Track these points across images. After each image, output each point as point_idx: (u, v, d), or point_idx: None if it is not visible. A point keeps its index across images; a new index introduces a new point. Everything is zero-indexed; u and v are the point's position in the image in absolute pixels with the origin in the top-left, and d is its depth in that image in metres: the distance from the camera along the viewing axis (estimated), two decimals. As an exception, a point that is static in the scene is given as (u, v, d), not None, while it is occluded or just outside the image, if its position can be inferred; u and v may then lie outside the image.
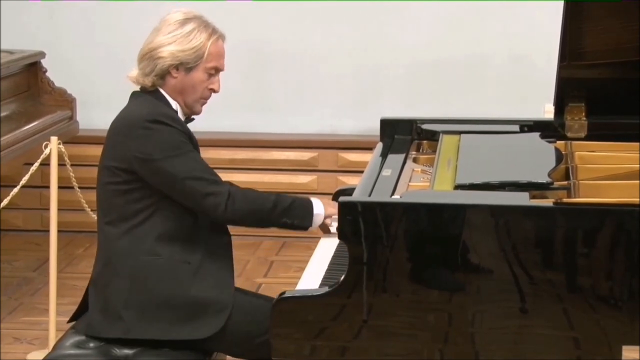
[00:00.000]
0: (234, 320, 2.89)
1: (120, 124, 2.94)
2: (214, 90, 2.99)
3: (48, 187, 4.18)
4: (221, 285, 2.92)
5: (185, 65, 2.92)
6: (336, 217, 2.84)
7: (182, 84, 2.94)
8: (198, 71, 2.94)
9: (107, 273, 2.92)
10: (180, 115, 2.98)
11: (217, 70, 2.98)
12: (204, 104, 3.01)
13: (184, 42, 2.91)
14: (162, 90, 2.96)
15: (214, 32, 2.96)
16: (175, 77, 2.93)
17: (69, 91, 5.57)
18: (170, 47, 2.90)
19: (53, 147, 4.14)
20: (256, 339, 2.86)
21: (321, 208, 3.00)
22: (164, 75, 2.93)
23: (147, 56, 2.93)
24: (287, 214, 2.94)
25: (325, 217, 3.02)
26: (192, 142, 2.92)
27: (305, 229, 3.00)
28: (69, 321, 3.05)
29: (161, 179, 2.87)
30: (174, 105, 2.97)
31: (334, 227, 3.04)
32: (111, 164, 2.92)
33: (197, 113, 3.03)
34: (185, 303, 2.86)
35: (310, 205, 2.99)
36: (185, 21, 2.94)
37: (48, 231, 4.16)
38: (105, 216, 2.95)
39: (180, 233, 2.89)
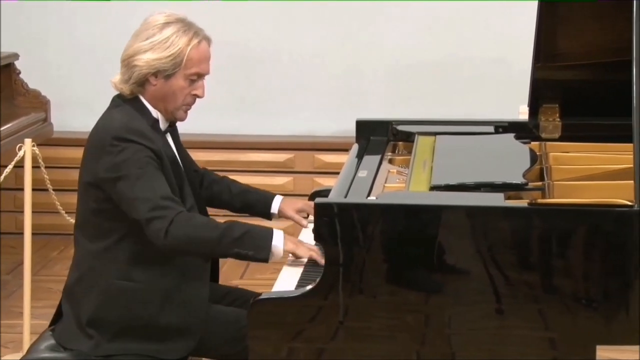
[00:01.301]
0: (212, 331, 2.87)
1: (93, 138, 2.86)
2: (197, 96, 2.87)
3: (22, 189, 4.16)
4: (193, 311, 2.86)
5: (163, 73, 2.81)
6: (300, 252, 2.85)
7: (161, 91, 2.83)
8: (178, 78, 2.82)
9: (80, 289, 2.88)
10: (161, 123, 2.89)
11: (200, 75, 2.86)
12: (187, 110, 2.89)
13: (161, 49, 2.79)
14: (142, 98, 2.86)
15: (195, 35, 2.82)
16: (155, 85, 2.83)
17: (43, 93, 5.54)
18: (147, 55, 2.79)
19: (27, 149, 4.11)
20: (238, 345, 2.84)
21: (281, 240, 2.77)
22: (142, 82, 2.83)
23: (125, 62, 2.84)
24: (239, 244, 2.73)
25: (286, 252, 2.81)
26: (160, 160, 2.80)
27: (263, 261, 2.77)
28: (50, 325, 3.02)
29: (117, 199, 2.77)
30: (155, 113, 2.87)
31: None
32: (85, 179, 2.86)
33: (180, 120, 2.91)
34: (154, 328, 2.82)
35: (268, 236, 2.76)
36: (164, 25, 2.82)
37: (22, 234, 4.14)
38: (82, 232, 2.89)
39: (153, 255, 2.79)
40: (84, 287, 2.87)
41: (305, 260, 2.94)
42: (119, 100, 2.89)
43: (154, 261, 2.82)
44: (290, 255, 2.89)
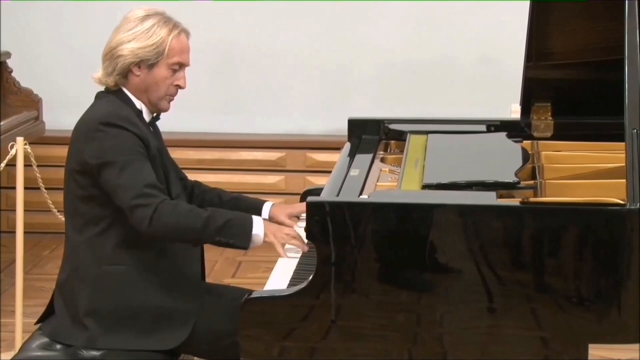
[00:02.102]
0: (202, 322, 2.88)
1: (79, 126, 2.90)
2: (179, 87, 2.92)
3: (14, 188, 4.15)
4: (186, 293, 2.88)
5: (146, 63, 2.86)
6: (278, 250, 2.85)
7: (145, 81, 2.88)
8: (160, 67, 2.87)
9: (72, 281, 2.89)
10: (145, 114, 2.93)
11: (182, 65, 2.91)
12: (170, 100, 2.93)
13: (144, 39, 2.86)
14: (125, 90, 2.91)
15: (175, 27, 2.89)
16: (138, 75, 2.88)
17: (35, 91, 5.53)
18: (130, 45, 2.85)
19: (19, 147, 4.10)
20: (225, 339, 2.85)
21: (261, 229, 2.81)
22: (126, 73, 2.88)
23: (108, 55, 2.89)
24: (221, 232, 2.78)
25: (266, 242, 2.85)
26: (147, 148, 2.84)
27: (243, 249, 2.84)
28: (37, 323, 3.03)
29: (103, 185, 2.81)
30: (138, 104, 2.92)
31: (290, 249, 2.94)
32: (72, 167, 2.88)
33: (164, 110, 2.96)
34: (149, 313, 2.84)
35: (249, 225, 2.81)
36: (145, 18, 2.89)
37: (14, 232, 4.13)
38: (71, 221, 2.91)
39: (141, 241, 2.82)
40: (76, 279, 2.87)
41: (299, 256, 2.94)
42: (102, 95, 2.94)
43: (144, 245, 2.84)
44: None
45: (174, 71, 2.90)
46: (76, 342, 2.86)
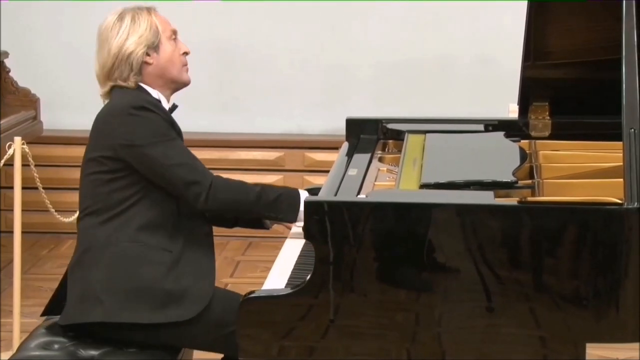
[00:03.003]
0: (207, 307, 2.88)
1: (105, 114, 2.94)
2: (186, 53, 3.01)
3: (12, 187, 4.15)
4: (202, 274, 2.91)
5: (152, 46, 2.94)
6: None
7: (159, 64, 2.96)
8: (164, 44, 2.96)
9: (86, 260, 2.90)
10: (164, 104, 2.98)
11: (175, 32, 3.00)
12: (187, 70, 3.02)
13: (136, 29, 2.94)
14: (142, 85, 2.96)
15: (146, 9, 2.98)
16: (151, 63, 2.95)
17: (32, 91, 5.53)
18: (130, 40, 2.93)
19: (17, 147, 4.10)
20: (226, 327, 2.84)
21: None
22: (140, 69, 2.94)
23: (118, 60, 2.93)
24: (271, 208, 2.94)
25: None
26: (176, 131, 2.93)
27: (290, 222, 3.01)
28: (42, 314, 3.02)
29: (145, 166, 2.87)
30: (155, 94, 2.97)
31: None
32: (97, 154, 2.92)
33: (187, 82, 3.03)
34: (165, 290, 2.85)
35: (297, 200, 2.95)
36: (120, 17, 2.97)
37: (12, 232, 4.13)
38: (88, 208, 2.93)
39: (162, 221, 2.89)
40: (90, 258, 2.89)
41: (296, 256, 2.94)
42: (120, 89, 2.97)
43: (161, 226, 2.89)
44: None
45: (174, 40, 2.99)
46: (90, 318, 2.86)
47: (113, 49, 2.93)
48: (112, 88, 2.97)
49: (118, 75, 2.94)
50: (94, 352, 2.86)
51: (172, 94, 3.03)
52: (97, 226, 2.90)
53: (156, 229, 2.89)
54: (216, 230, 3.07)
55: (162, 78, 2.98)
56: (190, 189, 2.86)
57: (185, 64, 3.02)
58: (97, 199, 2.92)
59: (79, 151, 5.60)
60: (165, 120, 2.91)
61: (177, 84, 3.02)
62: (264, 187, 2.96)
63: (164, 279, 2.86)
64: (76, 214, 4.26)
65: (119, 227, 2.89)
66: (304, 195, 2.96)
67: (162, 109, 2.94)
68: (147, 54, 2.94)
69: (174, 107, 3.04)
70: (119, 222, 2.89)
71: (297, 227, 3.12)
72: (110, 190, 2.90)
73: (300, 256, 3.00)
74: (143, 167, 2.88)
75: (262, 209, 2.95)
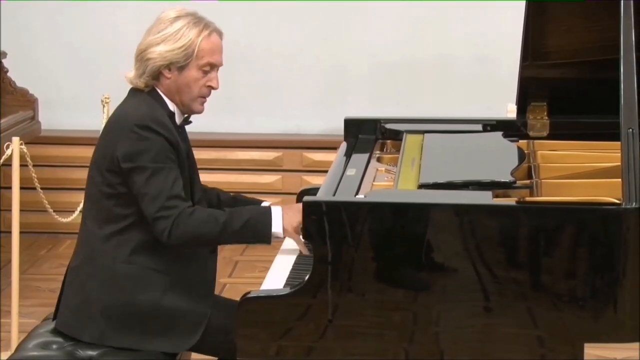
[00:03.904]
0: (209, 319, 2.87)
1: (114, 122, 2.90)
2: (212, 87, 2.92)
3: (10, 187, 4.14)
4: (198, 298, 2.88)
5: (176, 65, 2.86)
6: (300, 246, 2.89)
7: (176, 83, 2.88)
8: (191, 69, 2.87)
9: (85, 270, 2.89)
10: (177, 116, 2.92)
11: (213, 66, 2.90)
12: (203, 102, 2.93)
13: (172, 41, 2.85)
14: (158, 90, 2.90)
15: (205, 27, 2.88)
16: (169, 78, 2.87)
17: (31, 91, 5.52)
18: (159, 48, 2.84)
19: (15, 147, 4.10)
20: (227, 336, 2.83)
21: (279, 225, 2.82)
22: (157, 75, 2.88)
23: (139, 57, 2.88)
24: (240, 235, 2.82)
25: (286, 237, 2.90)
26: (177, 153, 2.85)
27: (264, 244, 2.86)
28: (54, 319, 3.00)
29: (130, 187, 2.82)
30: (171, 106, 2.91)
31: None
32: (100, 163, 2.88)
33: (197, 112, 2.95)
34: (160, 315, 2.83)
35: (267, 221, 2.83)
36: (175, 19, 2.87)
37: (10, 232, 4.13)
38: (91, 213, 2.91)
39: (159, 243, 2.82)
40: (89, 272, 2.88)
41: (295, 256, 2.94)
42: (137, 92, 2.92)
43: (161, 248, 2.85)
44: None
45: (205, 72, 2.89)
46: (85, 337, 2.86)
47: (143, 44, 2.88)
48: (133, 91, 2.92)
49: (137, 67, 2.89)
50: (92, 353, 2.86)
51: (184, 112, 2.94)
52: (99, 239, 2.87)
53: (152, 250, 2.85)
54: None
55: (175, 95, 2.90)
56: (156, 224, 2.78)
57: (205, 96, 2.92)
58: (99, 209, 2.89)
59: (77, 151, 5.66)
60: (168, 142, 2.82)
61: (186, 109, 2.93)
62: (232, 215, 2.82)
63: (158, 304, 2.83)
64: (74, 214, 4.27)
65: (117, 245, 2.85)
66: (277, 212, 2.83)
67: (169, 128, 2.84)
68: (168, 69, 2.86)
69: (186, 121, 2.96)
70: (118, 241, 2.85)
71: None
72: (111, 205, 2.86)
73: (298, 256, 3.00)
74: (129, 188, 2.82)
75: (229, 238, 2.83)
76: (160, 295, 2.84)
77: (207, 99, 2.95)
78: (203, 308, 2.88)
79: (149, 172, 2.79)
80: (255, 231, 2.82)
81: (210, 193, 3.17)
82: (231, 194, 3.23)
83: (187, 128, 3.02)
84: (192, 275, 2.89)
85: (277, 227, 2.84)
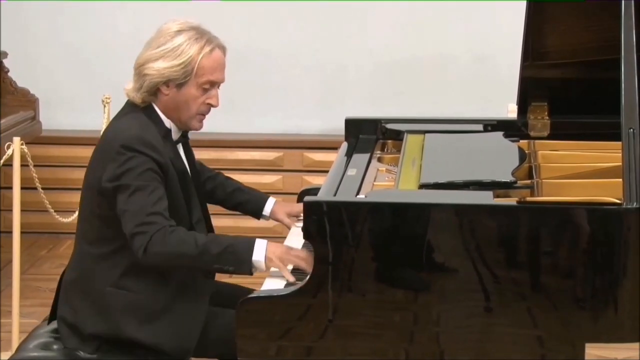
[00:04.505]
0: (208, 329, 2.85)
1: (104, 142, 2.82)
2: (212, 105, 2.82)
3: (10, 188, 4.15)
4: (184, 332, 2.82)
5: (175, 82, 2.77)
6: (286, 275, 2.75)
7: (174, 100, 2.79)
8: (190, 87, 2.78)
9: (76, 291, 2.86)
10: (174, 133, 2.85)
11: (213, 84, 2.81)
12: (201, 119, 2.84)
13: (172, 57, 2.75)
14: (155, 107, 2.82)
15: (207, 43, 2.78)
16: (167, 94, 2.79)
17: (31, 91, 5.52)
18: (157, 64, 2.75)
19: (16, 147, 4.10)
20: (229, 343, 2.80)
21: (262, 254, 2.70)
22: (154, 91, 2.79)
23: (137, 71, 2.79)
24: (219, 260, 2.69)
25: (270, 266, 2.73)
26: (165, 174, 2.76)
27: (243, 274, 2.73)
28: (49, 322, 3.01)
29: (115, 208, 2.74)
30: (167, 123, 2.83)
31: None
32: (91, 182, 2.82)
33: (195, 129, 2.85)
34: (146, 345, 2.79)
35: (249, 251, 2.70)
36: (176, 33, 2.77)
37: (11, 232, 4.13)
38: (84, 231, 2.87)
39: (148, 267, 2.76)
40: (80, 290, 2.85)
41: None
42: (132, 107, 2.84)
43: (151, 274, 2.78)
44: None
45: (205, 90, 2.80)
46: (80, 353, 2.84)
47: (141, 58, 2.79)
48: (128, 106, 2.85)
49: (135, 81, 2.81)
50: (92, 354, 2.85)
51: (182, 129, 2.87)
52: (92, 259, 2.82)
53: (144, 274, 2.78)
54: (216, 228, 3.05)
55: (173, 112, 2.81)
56: (133, 240, 2.68)
57: (204, 114, 2.83)
58: (91, 229, 2.84)
59: (78, 151, 5.66)
60: (152, 162, 2.72)
61: (183, 126, 2.85)
62: (214, 239, 2.72)
63: (145, 335, 2.77)
64: (75, 214, 4.27)
65: (109, 267, 2.79)
66: (260, 246, 2.71)
67: (158, 149, 2.74)
68: (166, 85, 2.77)
69: (181, 139, 2.89)
70: (109, 263, 2.79)
71: (297, 226, 3.12)
72: (102, 226, 2.80)
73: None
74: (115, 209, 2.74)
75: (207, 262, 2.70)
76: (150, 327, 2.78)
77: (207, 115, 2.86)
78: (187, 344, 2.82)
79: (132, 190, 2.70)
80: (236, 257, 2.69)
81: (216, 180, 3.15)
82: (236, 185, 3.19)
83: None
84: (182, 308, 2.81)
85: (259, 255, 2.70)
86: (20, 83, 5.52)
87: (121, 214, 2.72)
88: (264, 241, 2.74)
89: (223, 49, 2.84)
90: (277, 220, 3.22)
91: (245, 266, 2.71)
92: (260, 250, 2.71)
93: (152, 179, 2.73)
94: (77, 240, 2.91)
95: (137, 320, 2.79)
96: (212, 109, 2.87)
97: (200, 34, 2.80)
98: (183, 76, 2.77)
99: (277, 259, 2.73)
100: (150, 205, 2.70)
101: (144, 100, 2.81)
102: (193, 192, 2.89)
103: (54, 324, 2.94)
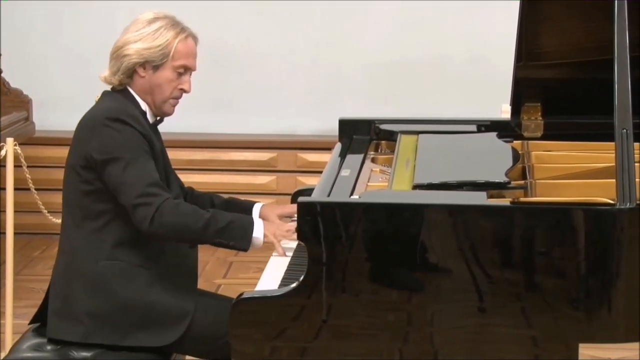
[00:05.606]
0: (195, 322, 2.88)
1: (84, 121, 2.92)
2: (184, 90, 2.95)
3: (4, 188, 4.14)
4: (182, 292, 2.90)
5: (151, 64, 2.89)
6: (279, 249, 2.92)
7: (149, 83, 2.91)
8: (165, 70, 2.90)
9: (67, 275, 2.90)
10: (149, 116, 2.95)
11: (187, 69, 2.94)
12: (174, 104, 2.97)
13: (150, 40, 2.89)
14: (130, 90, 2.93)
15: (182, 30, 2.92)
16: (143, 77, 2.90)
17: (25, 92, 5.52)
18: (136, 45, 2.88)
19: (9, 148, 4.10)
20: (218, 340, 2.85)
21: (260, 231, 2.87)
22: (131, 74, 2.91)
23: (115, 55, 2.91)
24: (222, 234, 2.83)
25: (266, 243, 2.91)
26: (151, 147, 2.87)
27: (243, 250, 2.90)
28: (30, 323, 3.02)
29: (105, 180, 2.83)
30: (143, 105, 2.94)
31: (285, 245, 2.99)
32: (74, 161, 2.89)
33: (168, 114, 2.98)
34: (144, 309, 2.85)
35: (250, 227, 2.87)
36: (153, 20, 2.92)
37: (4, 233, 4.12)
38: (69, 215, 2.92)
39: (140, 238, 2.85)
40: (71, 273, 2.88)
41: (290, 254, 2.95)
42: (110, 92, 2.95)
43: (143, 243, 2.86)
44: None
45: (179, 74, 2.93)
46: (71, 337, 2.86)
47: (120, 42, 2.91)
48: (105, 93, 2.95)
49: (112, 65, 2.92)
50: (86, 354, 2.86)
51: (156, 113, 2.97)
52: (79, 240, 2.88)
53: (133, 245, 2.86)
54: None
55: (147, 94, 2.93)
56: (137, 211, 2.77)
57: (177, 99, 2.95)
58: (78, 209, 2.89)
59: (71, 152, 5.64)
60: (140, 135, 2.84)
61: (157, 110, 2.95)
62: (215, 213, 2.86)
63: (142, 299, 2.84)
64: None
65: (98, 243, 2.86)
66: (258, 223, 2.89)
67: (142, 122, 2.87)
68: (143, 67, 2.89)
69: (158, 121, 2.99)
70: (98, 238, 2.86)
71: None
72: (89, 201, 2.87)
73: (293, 257, 3.00)
74: (105, 181, 2.83)
75: (211, 235, 2.82)
76: (145, 289, 2.86)
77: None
78: (187, 301, 2.89)
79: (125, 162, 2.80)
80: (238, 231, 2.85)
81: (204, 198, 3.18)
82: (225, 198, 3.24)
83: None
84: (174, 269, 2.91)
85: (258, 232, 2.87)
86: (14, 84, 5.52)
87: (117, 186, 2.80)
88: (260, 220, 2.94)
89: (195, 38, 2.98)
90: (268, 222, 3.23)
91: (246, 242, 2.87)
92: (259, 228, 2.89)
93: (143, 151, 2.84)
94: (63, 231, 2.94)
95: (134, 285, 2.85)
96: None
97: (176, 22, 2.95)
98: (160, 58, 2.89)
99: (272, 235, 2.91)
100: (149, 175, 2.81)
101: (121, 82, 2.92)
102: (171, 171, 3.02)
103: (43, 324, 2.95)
